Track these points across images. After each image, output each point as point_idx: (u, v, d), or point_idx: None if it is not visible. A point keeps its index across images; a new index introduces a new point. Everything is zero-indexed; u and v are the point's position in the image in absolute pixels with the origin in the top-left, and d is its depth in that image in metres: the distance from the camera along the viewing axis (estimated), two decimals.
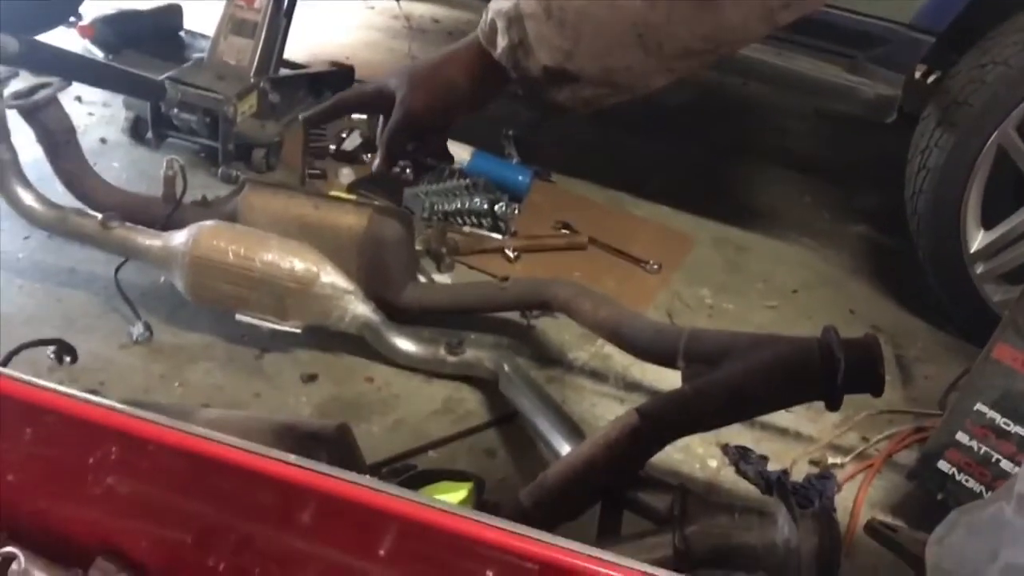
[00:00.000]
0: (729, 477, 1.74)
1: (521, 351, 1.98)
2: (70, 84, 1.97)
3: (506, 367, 1.79)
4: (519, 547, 0.59)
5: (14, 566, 0.68)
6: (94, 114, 2.64)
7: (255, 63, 2.48)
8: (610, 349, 1.94)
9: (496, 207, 2.34)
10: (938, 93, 2.21)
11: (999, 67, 2.00)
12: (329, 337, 1.87)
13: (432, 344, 1.85)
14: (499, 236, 2.34)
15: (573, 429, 1.57)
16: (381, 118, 1.03)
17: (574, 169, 2.72)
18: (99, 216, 1.85)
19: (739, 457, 1.76)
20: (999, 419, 1.53)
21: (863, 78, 2.22)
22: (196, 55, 2.59)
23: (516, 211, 2.38)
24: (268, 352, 1.87)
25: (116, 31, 2.84)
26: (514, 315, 2.03)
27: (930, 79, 2.64)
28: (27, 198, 1.89)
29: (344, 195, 2.10)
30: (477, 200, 2.34)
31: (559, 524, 1.25)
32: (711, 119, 3.40)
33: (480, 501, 1.34)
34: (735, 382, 1.27)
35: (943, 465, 1.61)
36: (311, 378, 1.82)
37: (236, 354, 1.86)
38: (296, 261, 1.77)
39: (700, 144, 3.15)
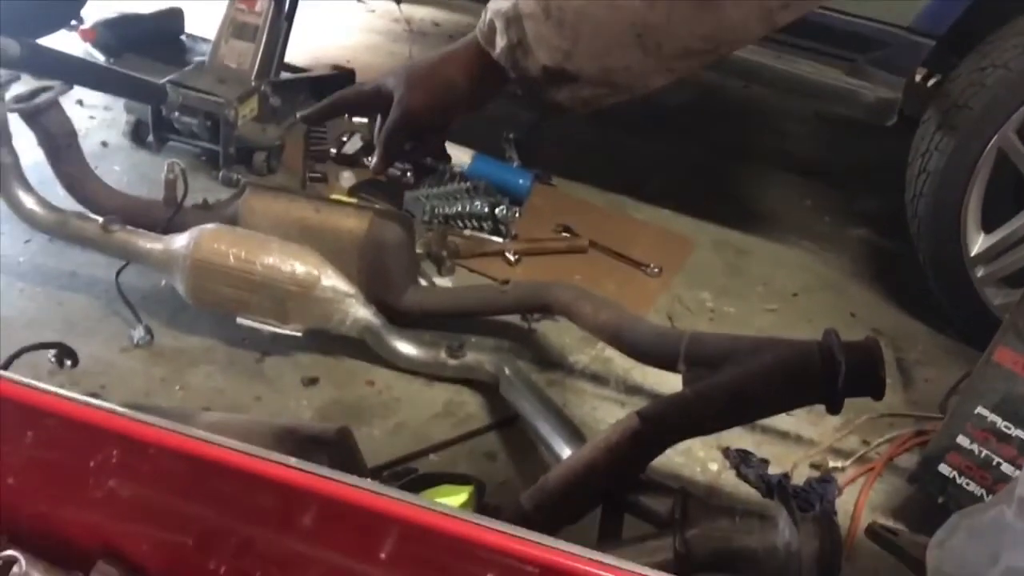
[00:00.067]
0: (730, 480, 1.74)
1: (522, 354, 1.98)
2: (71, 88, 1.98)
3: (507, 370, 1.79)
4: (520, 550, 0.59)
5: (15, 569, 0.68)
6: (95, 118, 2.64)
7: (256, 67, 2.49)
8: (611, 352, 1.94)
9: (497, 210, 2.34)
10: (938, 96, 2.21)
11: (999, 70, 2.00)
12: (330, 340, 1.87)
13: (433, 347, 1.85)
14: (500, 239, 2.34)
15: (574, 432, 1.57)
16: (379, 117, 1.03)
17: (575, 172, 2.72)
18: (100, 219, 1.85)
19: (740, 460, 1.76)
20: (1000, 422, 1.53)
21: (863, 81, 2.22)
22: (197, 59, 2.60)
23: (517, 214, 2.38)
24: (269, 355, 1.87)
25: (117, 35, 2.84)
26: (515, 318, 2.03)
27: (930, 82, 2.64)
28: (28, 201, 1.89)
29: (345, 198, 2.10)
30: (478, 203, 2.34)
31: (560, 527, 1.25)
32: (712, 122, 3.40)
33: (481, 504, 1.34)
34: (736, 385, 1.27)
35: (944, 468, 1.61)
36: (312, 381, 1.82)
37: (237, 357, 1.86)
38: (297, 264, 1.77)
39: (701, 147, 3.16)
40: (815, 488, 1.71)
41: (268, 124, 2.49)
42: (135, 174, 2.41)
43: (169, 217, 1.91)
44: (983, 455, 1.55)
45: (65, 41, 2.84)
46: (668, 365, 1.44)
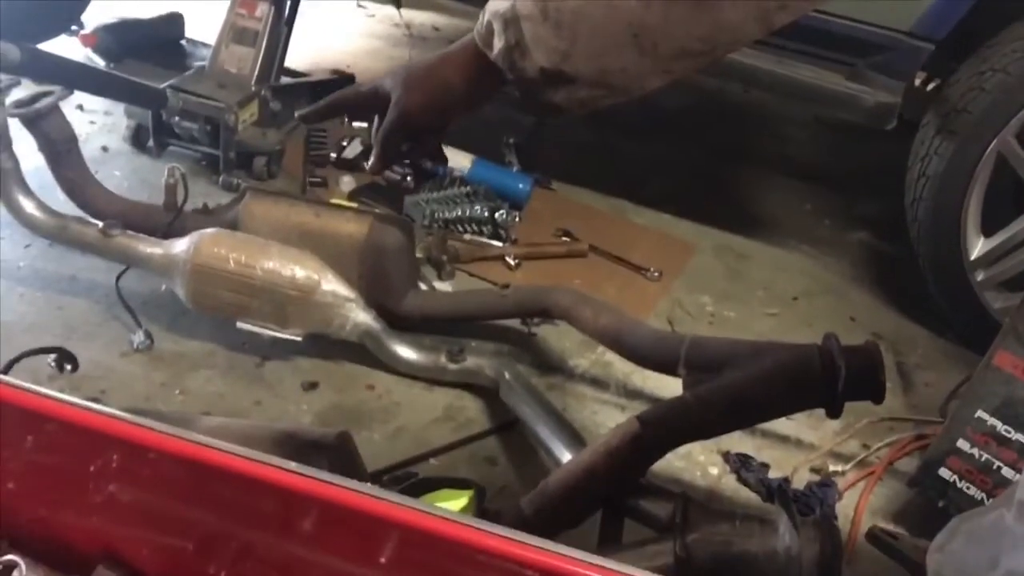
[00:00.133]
0: (730, 485, 1.74)
1: (522, 358, 1.98)
2: (72, 93, 1.97)
3: (507, 374, 1.79)
4: (520, 555, 0.59)
5: (15, 574, 0.68)
6: (95, 122, 2.65)
7: (256, 71, 2.49)
8: (611, 356, 1.94)
9: (497, 215, 2.34)
10: (938, 100, 2.22)
11: (998, 75, 2.00)
12: (330, 345, 1.87)
13: (433, 352, 1.85)
14: (500, 243, 2.34)
15: (574, 437, 1.57)
16: (376, 117, 1.03)
17: (574, 176, 2.73)
18: (100, 224, 1.85)
19: (740, 465, 1.76)
20: (1000, 426, 1.53)
21: (863, 86, 2.22)
22: (197, 63, 2.60)
23: (517, 219, 2.38)
24: (269, 360, 1.87)
25: (118, 40, 2.85)
26: (515, 323, 2.03)
27: (930, 86, 2.65)
28: (28, 206, 1.89)
29: (345, 203, 2.10)
30: (478, 208, 2.34)
31: (560, 532, 1.25)
32: (712, 126, 3.41)
33: (481, 509, 1.34)
34: (736, 390, 1.27)
35: (944, 472, 1.60)
36: (312, 386, 1.82)
37: (237, 362, 1.86)
38: (297, 269, 1.77)
39: (701, 151, 3.16)
40: (815, 492, 1.71)
41: (268, 129, 2.50)
42: (135, 179, 2.41)
43: (169, 222, 1.91)
44: (983, 459, 1.55)
45: (65, 46, 2.84)
46: (668, 369, 1.45)
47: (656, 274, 2.33)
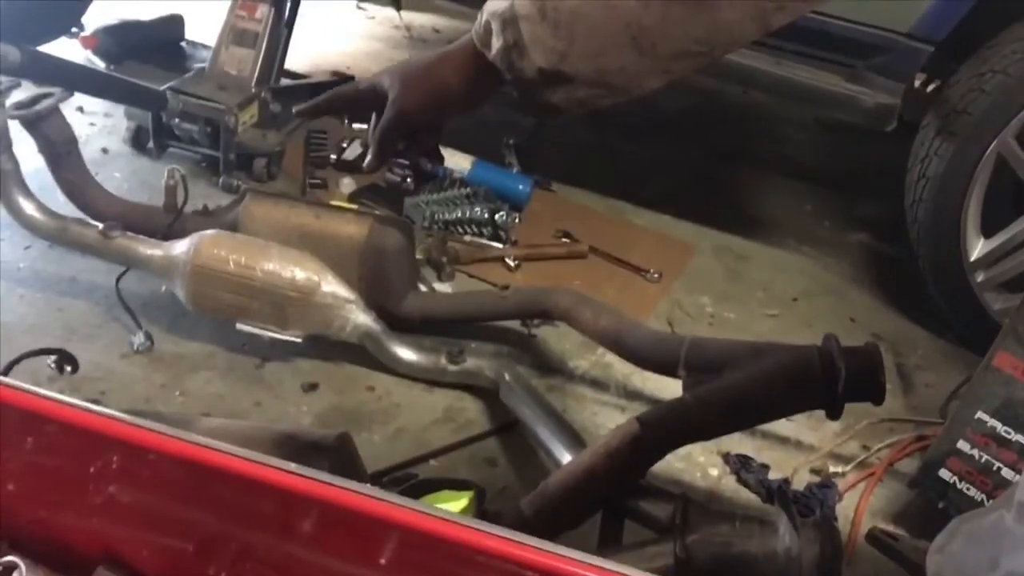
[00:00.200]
0: (730, 486, 1.74)
1: (522, 360, 1.98)
2: (72, 94, 1.97)
3: (507, 376, 1.79)
4: (520, 556, 0.59)
5: (15, 575, 0.68)
6: (95, 124, 2.65)
7: (256, 73, 2.49)
8: (611, 358, 1.94)
9: (496, 216, 2.34)
10: (938, 102, 2.22)
11: (998, 76, 2.00)
12: (330, 346, 1.87)
13: (433, 353, 1.85)
14: (499, 245, 2.34)
15: (574, 438, 1.57)
16: (374, 115, 1.03)
17: (574, 178, 2.73)
18: (100, 226, 1.85)
19: (740, 466, 1.76)
20: (1000, 427, 1.53)
21: (863, 87, 2.23)
22: (197, 65, 2.60)
23: (516, 220, 2.39)
24: (269, 361, 1.87)
25: (118, 41, 2.85)
26: (515, 324, 2.03)
27: (930, 88, 2.65)
28: (28, 208, 1.89)
29: (345, 204, 2.10)
30: (478, 209, 2.34)
31: (560, 533, 1.25)
32: (712, 127, 3.41)
33: (481, 510, 1.34)
34: (736, 391, 1.27)
35: (944, 473, 1.60)
36: (312, 387, 1.82)
37: (237, 363, 1.86)
38: (297, 270, 1.77)
39: (701, 152, 3.16)
40: (815, 493, 1.71)
41: (268, 130, 2.50)
42: (135, 180, 2.41)
43: (169, 223, 1.91)
44: (983, 460, 1.55)
45: (66, 48, 2.84)
46: (668, 370, 1.45)
47: (656, 275, 2.33)
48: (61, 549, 0.71)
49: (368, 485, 0.64)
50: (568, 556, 0.59)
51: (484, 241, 2.35)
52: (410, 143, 1.05)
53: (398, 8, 3.47)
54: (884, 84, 2.23)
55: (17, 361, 1.25)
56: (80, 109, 2.64)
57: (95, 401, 1.61)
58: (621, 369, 1.96)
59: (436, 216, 2.34)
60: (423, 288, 2.02)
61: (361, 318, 1.81)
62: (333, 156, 2.59)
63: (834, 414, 1.24)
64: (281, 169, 2.52)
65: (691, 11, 0.82)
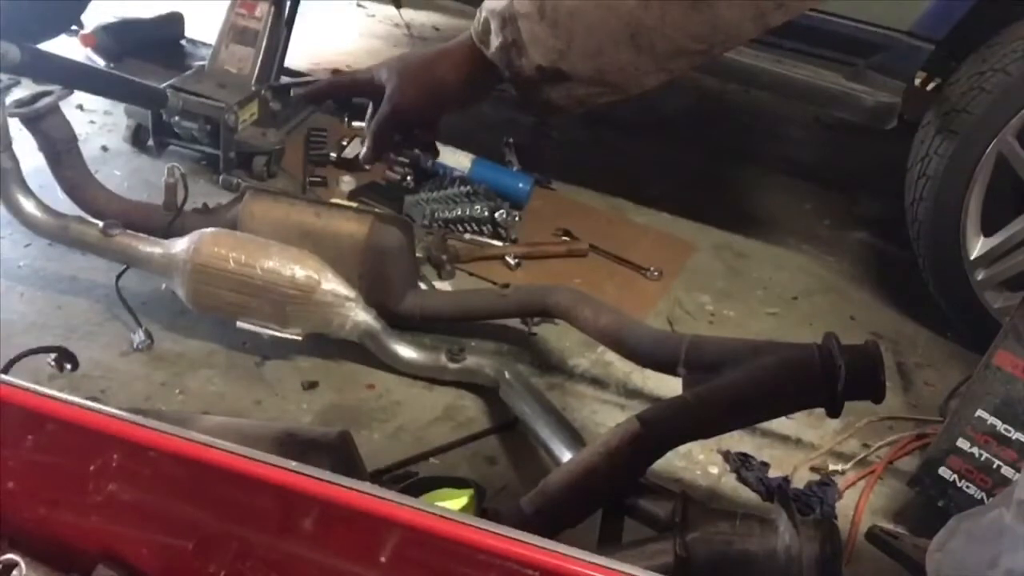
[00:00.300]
0: (730, 484, 1.74)
1: (522, 358, 1.98)
2: (72, 92, 1.97)
3: (507, 374, 1.79)
4: (520, 554, 0.59)
5: (15, 573, 0.68)
6: (95, 122, 2.65)
7: (256, 71, 2.49)
8: (611, 356, 1.94)
9: (497, 214, 2.34)
10: (938, 100, 2.22)
11: (999, 75, 2.00)
12: (330, 344, 1.87)
13: (433, 351, 1.86)
14: (500, 243, 2.34)
15: (574, 436, 1.57)
16: (371, 105, 1.03)
17: (575, 176, 2.73)
18: (100, 224, 1.85)
19: (740, 464, 1.76)
20: (1000, 425, 1.53)
21: (863, 85, 2.23)
22: (197, 63, 2.60)
23: (517, 218, 2.38)
24: (269, 359, 1.87)
25: (118, 39, 2.85)
26: (515, 322, 2.03)
27: (930, 86, 2.65)
28: (28, 206, 1.89)
29: (345, 203, 2.10)
30: (478, 207, 2.34)
31: (560, 531, 1.25)
32: (712, 126, 3.41)
33: (481, 508, 1.34)
34: (736, 389, 1.27)
35: (944, 472, 1.61)
36: (312, 385, 1.82)
37: (237, 361, 1.86)
38: (297, 268, 1.77)
39: (701, 151, 3.16)
40: (815, 492, 1.71)
41: (268, 128, 2.49)
42: (135, 179, 2.41)
43: (169, 221, 1.91)
44: (983, 458, 1.56)
45: (65, 46, 2.84)
46: (668, 369, 1.45)
47: (656, 273, 2.33)
48: (61, 547, 0.71)
49: (368, 483, 0.64)
50: (568, 554, 0.59)
51: (484, 239, 2.35)
52: (406, 137, 1.05)
53: (398, 6, 3.47)
54: (884, 82, 2.23)
55: (17, 359, 1.25)
56: (80, 107, 2.64)
57: (95, 399, 1.60)
58: (621, 367, 1.96)
59: (436, 214, 2.34)
60: (423, 286, 2.02)
61: (361, 316, 1.81)
62: (333, 154, 2.58)
63: (834, 412, 1.24)
64: (281, 167, 2.52)
65: (690, 10, 0.82)
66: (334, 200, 2.10)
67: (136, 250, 1.84)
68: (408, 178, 2.51)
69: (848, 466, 1.81)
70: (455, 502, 1.34)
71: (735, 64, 2.24)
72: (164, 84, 2.38)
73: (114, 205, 1.98)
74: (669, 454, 1.31)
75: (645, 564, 1.13)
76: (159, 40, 2.97)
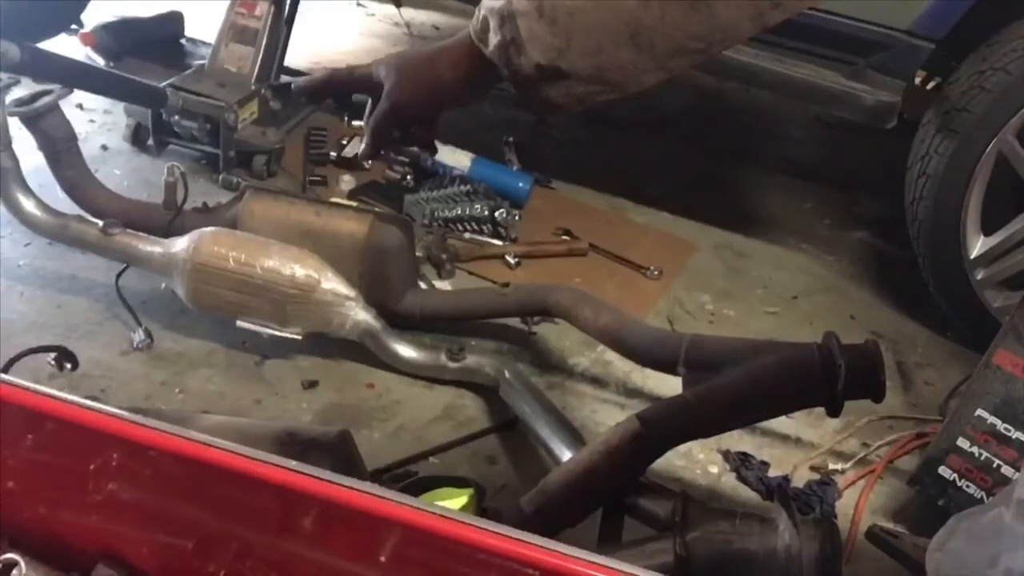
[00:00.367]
0: (730, 483, 1.74)
1: (522, 357, 1.98)
2: (71, 91, 1.97)
3: (507, 373, 1.79)
4: (520, 553, 0.59)
5: (15, 572, 0.68)
6: (95, 121, 2.64)
7: (256, 70, 2.49)
8: (611, 355, 1.94)
9: (497, 213, 2.34)
10: (938, 100, 2.22)
11: (999, 73, 2.00)
12: (330, 344, 1.87)
13: (433, 350, 1.86)
14: (500, 242, 2.34)
15: (574, 435, 1.57)
16: (369, 101, 1.03)
17: (575, 175, 2.73)
18: (100, 223, 1.85)
19: (740, 463, 1.76)
20: (1000, 425, 1.53)
21: (863, 85, 2.22)
22: (197, 62, 2.60)
23: (517, 217, 2.38)
24: (269, 359, 1.87)
25: (117, 38, 2.85)
26: (515, 321, 2.03)
27: (930, 86, 2.65)
28: (28, 205, 1.89)
29: (345, 202, 2.10)
30: (478, 206, 2.34)
31: (560, 530, 1.25)
32: (712, 125, 3.41)
33: (481, 507, 1.34)
34: (736, 388, 1.27)
35: (944, 471, 1.61)
36: (312, 384, 1.82)
37: (237, 360, 1.86)
38: (297, 268, 1.77)
39: (701, 150, 3.16)
40: (815, 491, 1.71)
41: (268, 127, 2.49)
42: (135, 178, 2.41)
43: (169, 220, 1.91)
44: (983, 457, 1.56)
45: (65, 45, 2.84)
46: (668, 368, 1.45)
47: (656, 273, 2.33)
48: (61, 546, 0.71)
49: (368, 483, 0.64)
50: (568, 553, 0.59)
51: (484, 238, 2.35)
52: (404, 134, 1.05)
53: (398, 5, 3.47)
54: (884, 81, 2.22)
55: (17, 358, 1.25)
56: (80, 106, 2.64)
57: (95, 399, 1.60)
58: (621, 367, 1.96)
59: (436, 213, 2.34)
60: (423, 285, 2.02)
61: (361, 315, 1.81)
62: (333, 153, 2.58)
63: (834, 411, 1.24)
64: (281, 166, 2.52)
65: (689, 10, 0.82)
66: (334, 199, 2.10)
67: (136, 249, 1.84)
68: (408, 177, 2.51)
69: (848, 465, 1.81)
70: (455, 501, 1.34)
71: (735, 63, 2.23)
72: (164, 83, 2.37)
73: (114, 204, 1.98)
74: (669, 453, 1.31)
75: (645, 563, 1.13)
76: (159, 39, 2.97)
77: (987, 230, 2.09)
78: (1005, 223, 2.06)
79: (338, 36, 3.54)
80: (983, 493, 1.57)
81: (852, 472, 1.80)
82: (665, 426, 1.27)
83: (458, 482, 1.40)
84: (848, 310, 2.35)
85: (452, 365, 1.84)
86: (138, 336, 1.84)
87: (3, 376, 0.67)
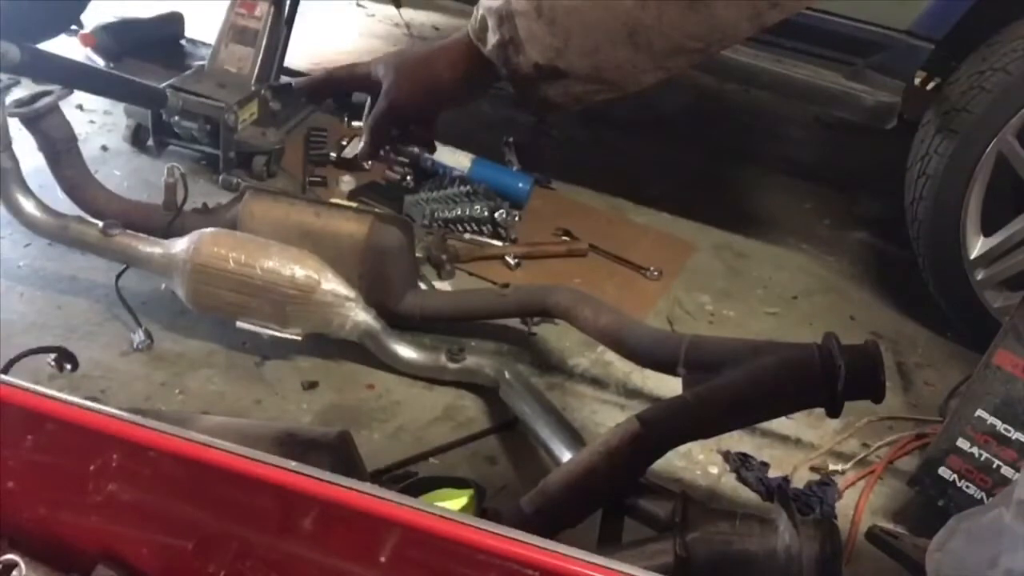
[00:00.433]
0: (730, 484, 1.74)
1: (522, 358, 1.98)
2: (71, 92, 1.97)
3: (507, 374, 1.79)
4: (520, 554, 0.59)
5: (15, 573, 0.68)
6: (95, 122, 2.65)
7: (256, 71, 2.49)
8: (611, 356, 1.94)
9: (496, 214, 2.34)
10: (938, 100, 2.22)
11: (998, 74, 2.00)
12: (330, 344, 1.87)
13: (433, 351, 1.86)
14: (499, 243, 2.34)
15: (574, 436, 1.57)
16: (368, 100, 1.04)
17: (574, 176, 2.73)
18: (100, 224, 1.85)
19: (740, 464, 1.76)
20: (1000, 425, 1.53)
21: (863, 85, 2.22)
22: (197, 63, 2.60)
23: (517, 218, 2.38)
24: (269, 359, 1.87)
25: (117, 39, 2.85)
26: (515, 322, 2.03)
27: (930, 86, 2.65)
28: (28, 206, 1.89)
29: (345, 202, 2.10)
30: (478, 207, 2.34)
31: (560, 531, 1.25)
32: (712, 125, 3.41)
33: (481, 508, 1.34)
34: (736, 389, 1.27)
35: (944, 471, 1.61)
36: (312, 385, 1.82)
37: (237, 361, 1.86)
38: (297, 268, 1.77)
39: (701, 151, 3.16)
40: (815, 491, 1.71)
41: (268, 128, 2.50)
42: (135, 178, 2.41)
43: (169, 221, 1.91)
44: (983, 458, 1.56)
45: (65, 46, 2.84)
46: (668, 369, 1.45)
47: (656, 273, 2.33)
48: (61, 547, 0.71)
49: (368, 483, 0.64)
50: (568, 554, 0.59)
51: (484, 239, 2.35)
52: (403, 132, 1.05)
53: (398, 5, 3.47)
54: (884, 82, 2.23)
55: (17, 359, 1.25)
56: (80, 107, 2.64)
57: (95, 399, 1.60)
58: (621, 367, 1.96)
59: (436, 214, 2.34)
60: (423, 286, 2.02)
61: (361, 316, 1.81)
62: (333, 154, 2.58)
63: (834, 412, 1.24)
64: (281, 167, 2.52)
65: (687, 10, 0.82)
66: (334, 200, 2.10)
67: (136, 250, 1.84)
68: (408, 178, 2.51)
69: (848, 466, 1.81)
70: (455, 502, 1.34)
71: (735, 64, 2.24)
72: (164, 84, 2.38)
73: (114, 205, 1.98)
74: (669, 454, 1.31)
75: (645, 564, 1.13)
76: (159, 40, 2.97)
77: (987, 230, 2.09)
78: (1005, 223, 2.06)
79: (338, 37, 3.54)
80: (983, 494, 1.57)
81: (852, 473, 1.80)
82: (665, 427, 1.27)
83: (458, 483, 1.40)
84: (848, 310, 2.35)
85: (452, 366, 1.84)
86: (138, 337, 1.84)
87: (3, 377, 0.67)
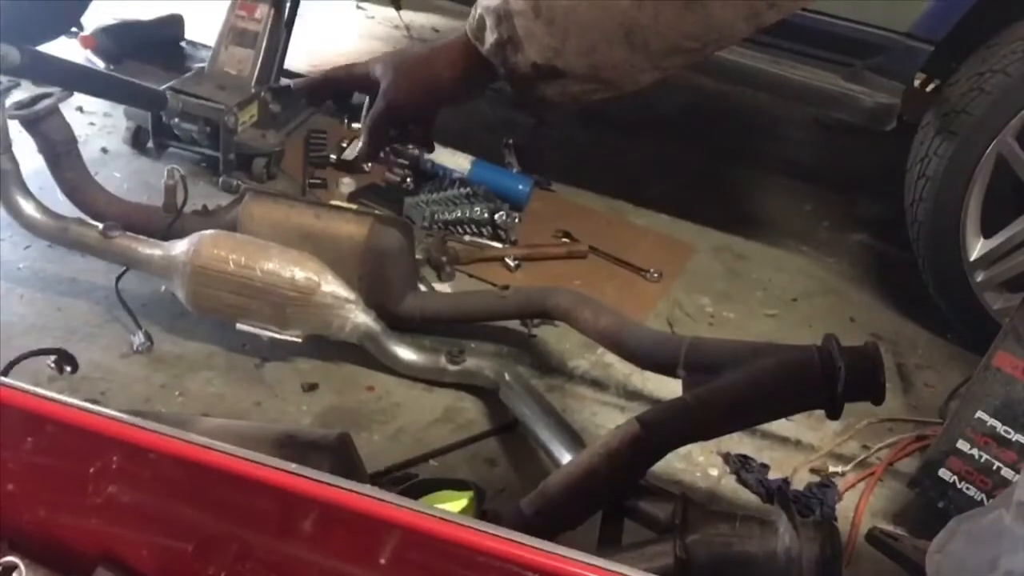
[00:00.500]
0: (730, 486, 1.74)
1: (522, 360, 1.98)
2: (71, 94, 1.97)
3: (507, 376, 1.79)
4: (520, 556, 0.59)
5: (15, 575, 0.68)
6: (95, 124, 2.65)
7: (256, 73, 2.49)
8: (611, 358, 1.94)
9: (496, 216, 2.34)
10: (937, 102, 2.22)
11: (998, 76, 2.00)
12: (330, 346, 1.87)
13: (433, 353, 1.86)
14: (499, 245, 2.34)
15: (574, 438, 1.57)
16: (367, 100, 1.04)
17: (574, 177, 2.73)
18: (100, 226, 1.85)
19: (740, 466, 1.76)
20: (1000, 427, 1.53)
21: (863, 87, 2.23)
22: (197, 65, 2.61)
23: (516, 220, 2.39)
24: (269, 361, 1.87)
25: (117, 41, 2.85)
26: (515, 324, 2.03)
27: (929, 88, 2.65)
28: (28, 208, 1.89)
29: (345, 204, 2.10)
30: (477, 209, 2.34)
31: (560, 533, 1.25)
32: (712, 127, 3.41)
33: (481, 510, 1.34)
34: (735, 391, 1.27)
35: (944, 473, 1.60)
36: (312, 387, 1.82)
37: (237, 363, 1.86)
38: (297, 270, 1.77)
39: (701, 152, 3.16)
40: (815, 493, 1.71)
41: (268, 130, 2.50)
42: (135, 180, 2.41)
43: (169, 223, 1.91)
44: (983, 459, 1.56)
45: (65, 48, 2.84)
46: (668, 370, 1.45)
47: (656, 275, 2.33)
48: (61, 549, 0.70)
49: (368, 485, 0.64)
50: (568, 556, 0.59)
51: (484, 241, 2.35)
52: (401, 132, 1.06)
53: (398, 7, 3.47)
54: (883, 84, 2.23)
55: (17, 361, 1.25)
56: (80, 109, 2.64)
57: (95, 401, 1.61)
58: (621, 369, 1.96)
59: (436, 216, 2.34)
60: (423, 288, 2.02)
61: (361, 318, 1.81)
62: (333, 156, 2.59)
63: (834, 414, 1.24)
64: (281, 169, 2.52)
65: (683, 10, 0.83)
66: (334, 202, 2.10)
67: (136, 252, 1.84)
68: (408, 180, 2.51)
69: (848, 468, 1.81)
70: (455, 504, 1.34)
71: (734, 65, 2.24)
72: (164, 86, 2.38)
73: (114, 207, 1.98)
74: (669, 456, 1.31)
75: (645, 566, 1.13)
76: (159, 42, 2.97)
77: (987, 232, 2.09)
78: (1005, 225, 2.06)
79: (338, 39, 3.54)
80: (983, 495, 1.57)
81: (852, 474, 1.80)
82: (665, 429, 1.27)
83: (458, 485, 1.40)
84: (848, 312, 2.35)
85: (452, 368, 1.84)
86: (138, 339, 1.84)
87: (3, 379, 0.67)
